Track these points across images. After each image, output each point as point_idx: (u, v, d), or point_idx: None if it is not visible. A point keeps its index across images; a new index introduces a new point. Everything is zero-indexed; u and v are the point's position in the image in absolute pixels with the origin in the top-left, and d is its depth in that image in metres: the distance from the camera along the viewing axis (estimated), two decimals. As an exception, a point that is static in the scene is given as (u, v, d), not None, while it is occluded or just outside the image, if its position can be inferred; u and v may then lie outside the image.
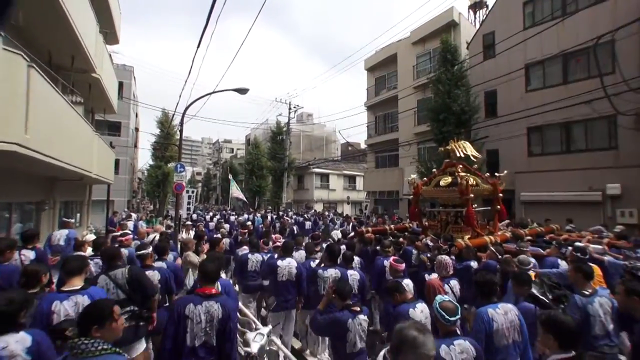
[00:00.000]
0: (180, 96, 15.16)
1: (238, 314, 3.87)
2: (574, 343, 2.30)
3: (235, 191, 22.63)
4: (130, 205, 29.88)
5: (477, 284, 3.36)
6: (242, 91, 13.56)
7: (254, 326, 4.21)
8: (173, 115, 17.94)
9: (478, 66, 16.78)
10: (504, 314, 3.12)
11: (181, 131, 14.29)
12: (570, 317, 2.48)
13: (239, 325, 3.74)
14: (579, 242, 6.62)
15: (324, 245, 6.40)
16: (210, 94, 14.18)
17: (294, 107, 29.15)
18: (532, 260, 5.01)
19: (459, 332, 2.74)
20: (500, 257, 5.44)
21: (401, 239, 7.47)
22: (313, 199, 32.11)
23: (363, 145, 30.01)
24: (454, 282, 4.61)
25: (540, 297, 3.38)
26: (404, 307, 3.50)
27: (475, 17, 26.28)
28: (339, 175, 34.53)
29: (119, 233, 7.26)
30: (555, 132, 15.09)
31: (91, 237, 7.77)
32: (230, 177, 24.80)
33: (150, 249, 4.68)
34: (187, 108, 13.52)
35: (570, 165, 14.12)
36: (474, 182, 7.87)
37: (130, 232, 7.26)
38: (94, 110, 14.72)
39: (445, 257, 4.85)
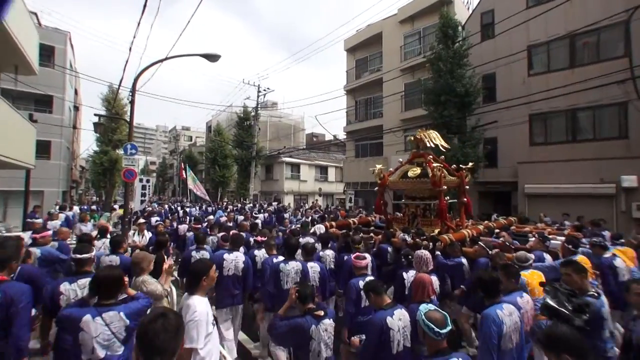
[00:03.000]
0: (126, 62, 11.94)
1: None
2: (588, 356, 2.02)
3: (193, 185, 20.45)
4: (69, 198, 25.79)
5: (481, 282, 3.14)
6: (212, 58, 11.45)
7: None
8: (118, 89, 14.35)
9: (475, 47, 15.15)
10: (509, 315, 2.94)
11: (132, 102, 11.54)
12: (568, 328, 2.26)
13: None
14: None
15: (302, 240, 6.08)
16: (168, 58, 11.57)
17: (264, 90, 26.33)
18: (531, 256, 4.62)
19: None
20: (490, 252, 5.30)
21: (372, 235, 7.13)
22: (283, 191, 29.57)
23: (341, 135, 27.58)
24: (434, 279, 4.33)
25: (559, 308, 2.97)
26: (380, 315, 3.07)
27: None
28: (310, 165, 32.09)
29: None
30: (560, 119, 13.91)
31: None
32: (187, 168, 21.95)
33: (93, 252, 3.79)
34: (139, 74, 11.16)
35: (578, 156, 12.99)
36: (444, 174, 7.51)
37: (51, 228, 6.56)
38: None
39: (425, 252, 4.58)
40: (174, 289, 4.55)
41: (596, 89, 11.28)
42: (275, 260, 4.92)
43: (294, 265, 4.67)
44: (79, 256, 3.51)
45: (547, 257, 5.24)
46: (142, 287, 3.53)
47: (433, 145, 8.10)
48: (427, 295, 3.50)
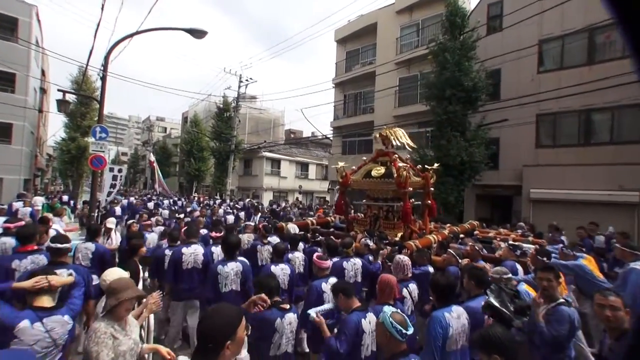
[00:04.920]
0: (94, 37, 10.16)
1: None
2: None
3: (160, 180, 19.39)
4: (33, 187, 23.38)
5: (435, 286, 3.12)
6: (198, 34, 9.74)
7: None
8: (87, 65, 12.37)
9: (480, 41, 13.63)
10: (457, 317, 2.93)
11: (104, 78, 9.97)
12: (502, 328, 2.22)
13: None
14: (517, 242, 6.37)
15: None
16: (146, 30, 10.12)
17: (246, 80, 24.62)
18: (506, 270, 3.97)
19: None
20: (459, 260, 4.96)
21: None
22: (262, 187, 27.65)
23: (328, 129, 26.21)
24: (413, 287, 4.16)
25: (500, 307, 2.94)
26: (356, 316, 3.01)
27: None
28: (291, 161, 30.13)
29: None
30: (572, 120, 12.62)
31: None
32: (154, 163, 20.53)
33: (70, 243, 3.78)
34: (112, 47, 9.84)
35: (591, 160, 11.73)
36: (410, 175, 7.04)
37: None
38: None
39: (404, 258, 4.27)
40: (151, 320, 3.67)
41: (615, 88, 9.94)
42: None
43: (233, 267, 4.27)
44: (59, 246, 3.48)
45: (519, 267, 4.93)
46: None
47: (399, 144, 7.68)
48: (393, 296, 3.34)
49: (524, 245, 5.97)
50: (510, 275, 3.88)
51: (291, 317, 3.09)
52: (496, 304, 2.95)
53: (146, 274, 3.81)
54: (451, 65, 12.50)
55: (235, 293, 4.21)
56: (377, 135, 8.02)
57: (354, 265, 4.90)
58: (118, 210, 12.55)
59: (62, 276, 2.96)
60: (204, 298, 4.38)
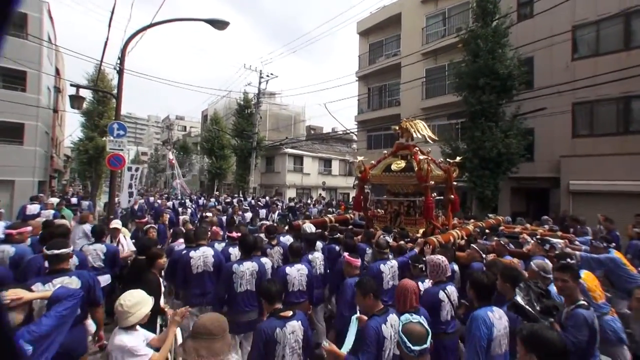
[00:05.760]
0: (109, 26, 9.77)
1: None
2: None
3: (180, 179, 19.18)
4: (49, 189, 22.75)
5: (477, 284, 2.89)
6: (219, 24, 9.21)
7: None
8: (101, 60, 11.60)
9: (510, 28, 13.12)
10: (499, 318, 2.74)
11: (121, 72, 9.55)
12: (557, 334, 2.04)
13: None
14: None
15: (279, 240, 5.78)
16: (167, 21, 9.81)
17: (267, 76, 24.24)
18: (549, 265, 3.78)
19: None
20: (484, 257, 4.69)
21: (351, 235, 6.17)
22: (285, 184, 27.14)
23: (350, 124, 25.82)
24: (452, 289, 3.72)
25: (526, 306, 2.75)
26: (375, 322, 2.76)
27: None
28: (313, 157, 29.37)
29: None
30: (610, 108, 12.11)
31: None
32: (173, 161, 20.47)
33: (70, 248, 3.35)
34: (130, 39, 9.37)
35: (632, 149, 11.20)
36: (431, 168, 6.65)
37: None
38: None
39: (441, 258, 3.81)
40: (179, 334, 3.25)
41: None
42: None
43: (249, 266, 4.15)
44: (56, 252, 3.13)
45: (547, 261, 4.36)
46: None
47: (420, 136, 7.37)
48: (410, 305, 3.02)
49: (553, 239, 5.65)
50: (551, 276, 3.65)
51: (295, 325, 2.80)
52: (522, 302, 2.81)
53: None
54: (484, 53, 12.01)
55: (251, 293, 4.09)
56: (397, 128, 7.63)
57: (391, 269, 4.60)
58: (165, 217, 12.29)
59: (41, 289, 2.71)
60: (217, 298, 4.21)
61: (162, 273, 4.42)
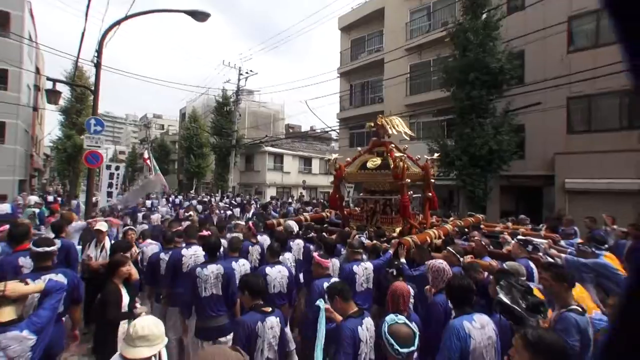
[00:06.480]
0: (85, 18, 9.03)
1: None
2: None
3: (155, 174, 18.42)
4: (29, 187, 22.30)
5: (450, 289, 2.76)
6: (200, 16, 8.82)
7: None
8: (78, 54, 10.87)
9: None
10: (480, 327, 2.49)
11: (99, 65, 8.94)
12: (562, 339, 2.04)
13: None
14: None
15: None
16: (144, 12, 9.21)
17: (246, 72, 23.48)
18: (522, 268, 3.59)
19: None
20: (461, 259, 4.21)
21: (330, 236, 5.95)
22: (265, 182, 26.25)
23: (331, 122, 25.23)
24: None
25: (512, 305, 2.55)
26: (351, 323, 2.67)
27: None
28: (294, 156, 28.72)
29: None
30: (610, 102, 11.32)
31: None
32: (147, 160, 19.64)
33: (56, 246, 3.48)
34: (107, 31, 8.84)
35: (634, 145, 10.43)
36: (407, 166, 6.44)
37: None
38: None
39: (442, 263, 3.46)
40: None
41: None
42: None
43: (213, 269, 3.85)
44: (39, 250, 3.16)
45: (533, 265, 4.21)
46: None
47: (395, 132, 7.10)
48: (402, 308, 2.81)
49: (535, 239, 5.22)
50: (525, 276, 3.49)
51: (273, 321, 2.82)
52: (506, 300, 2.62)
53: (126, 299, 3.16)
54: (474, 47, 11.25)
55: (217, 297, 3.83)
56: (372, 124, 7.35)
57: (365, 270, 4.31)
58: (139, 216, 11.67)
59: (33, 283, 2.66)
60: (183, 304, 4.04)
61: (134, 276, 3.77)
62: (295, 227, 6.35)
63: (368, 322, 2.78)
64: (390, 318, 2.20)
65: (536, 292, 2.97)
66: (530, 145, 12.71)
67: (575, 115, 12.03)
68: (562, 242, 5.82)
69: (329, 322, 2.86)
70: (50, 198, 16.48)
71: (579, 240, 6.02)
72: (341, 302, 2.81)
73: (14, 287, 2.37)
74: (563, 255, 4.68)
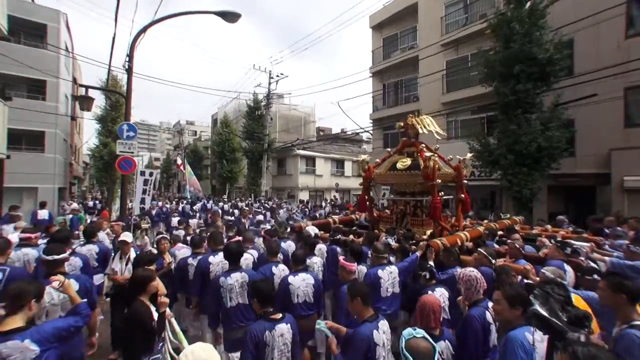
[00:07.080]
0: (115, 21, 9.15)
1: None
2: None
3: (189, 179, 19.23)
4: (69, 195, 23.02)
5: (510, 296, 2.47)
6: (230, 17, 8.65)
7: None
8: (110, 58, 11.06)
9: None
10: (541, 341, 2.23)
11: (130, 69, 8.97)
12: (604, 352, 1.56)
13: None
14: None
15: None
16: (174, 15, 9.23)
17: (277, 76, 23.39)
18: (562, 272, 3.26)
19: None
20: (493, 262, 4.01)
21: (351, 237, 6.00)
22: (297, 186, 26.02)
23: (363, 123, 24.72)
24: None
25: (550, 317, 2.10)
26: (366, 328, 2.62)
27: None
28: (325, 158, 28.30)
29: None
30: None
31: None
32: (181, 166, 19.98)
33: (68, 253, 3.55)
34: (138, 35, 8.91)
35: None
36: (438, 166, 6.17)
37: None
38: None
39: (473, 271, 3.07)
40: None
41: None
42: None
43: (237, 278, 3.77)
44: (51, 258, 3.20)
45: (568, 268, 3.91)
46: None
47: (426, 132, 6.79)
48: (433, 325, 2.55)
49: (576, 242, 4.84)
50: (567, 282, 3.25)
51: (283, 328, 2.72)
52: (544, 312, 2.22)
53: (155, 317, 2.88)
54: (519, 37, 10.46)
55: (244, 307, 3.73)
56: (402, 124, 7.04)
57: (390, 275, 4.17)
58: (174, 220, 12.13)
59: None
60: (210, 315, 3.94)
61: (162, 291, 3.50)
62: (314, 232, 6.23)
63: (384, 324, 2.76)
64: (407, 332, 2.07)
65: (577, 301, 2.63)
66: (581, 141, 11.75)
67: (634, 107, 10.97)
68: (607, 245, 5.44)
69: (335, 331, 2.88)
70: (90, 204, 17.05)
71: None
72: (360, 305, 2.74)
73: (68, 284, 2.71)
74: (607, 258, 4.32)
